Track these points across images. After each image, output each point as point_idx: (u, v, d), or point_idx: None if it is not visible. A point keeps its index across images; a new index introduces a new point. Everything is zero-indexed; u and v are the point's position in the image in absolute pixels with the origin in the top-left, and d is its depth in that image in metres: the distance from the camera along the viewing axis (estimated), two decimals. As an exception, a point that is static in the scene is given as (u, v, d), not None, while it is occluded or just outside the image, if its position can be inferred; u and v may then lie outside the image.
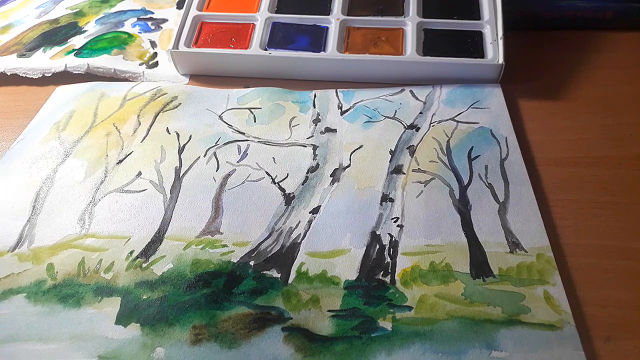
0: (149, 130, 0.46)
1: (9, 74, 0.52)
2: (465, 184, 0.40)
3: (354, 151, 0.43)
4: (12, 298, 0.34)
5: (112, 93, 0.50)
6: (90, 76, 0.52)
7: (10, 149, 0.45)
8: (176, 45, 0.51)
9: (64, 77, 0.52)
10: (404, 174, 0.41)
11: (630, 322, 0.32)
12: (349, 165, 0.42)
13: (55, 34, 0.57)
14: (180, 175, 0.41)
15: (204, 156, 0.43)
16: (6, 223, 0.39)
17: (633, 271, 0.34)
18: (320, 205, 0.39)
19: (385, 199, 0.39)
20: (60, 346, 0.31)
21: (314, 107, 0.47)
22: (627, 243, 0.36)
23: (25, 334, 0.32)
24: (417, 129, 0.44)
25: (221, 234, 0.37)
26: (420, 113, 0.46)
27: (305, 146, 0.44)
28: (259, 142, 0.44)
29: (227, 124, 0.46)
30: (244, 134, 0.45)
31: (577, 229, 0.37)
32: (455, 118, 0.45)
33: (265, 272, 0.35)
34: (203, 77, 0.52)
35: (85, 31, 0.58)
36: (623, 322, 0.32)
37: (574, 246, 0.36)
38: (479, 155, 0.42)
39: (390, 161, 0.42)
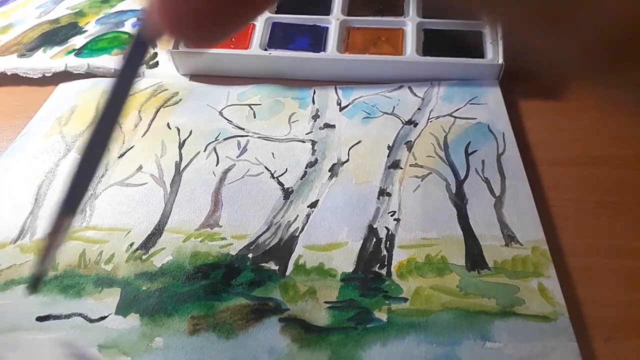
0: (149, 125, 0.46)
1: (9, 73, 0.52)
2: (462, 178, 0.40)
3: (352, 146, 0.43)
4: (14, 288, 0.34)
5: (113, 89, 0.50)
6: (90, 76, 0.52)
7: (14, 143, 0.45)
8: (176, 45, 0.51)
9: (64, 77, 0.52)
10: (401, 168, 0.41)
11: (630, 321, 0.32)
12: (347, 160, 0.42)
13: (55, 34, 0.58)
14: (181, 169, 0.42)
15: (204, 151, 0.43)
16: (9, 215, 0.39)
17: (633, 271, 0.34)
18: (318, 200, 0.39)
19: (383, 193, 0.39)
20: (60, 336, 0.32)
21: (313, 104, 0.47)
22: (628, 243, 0.36)
23: (26, 323, 0.32)
24: (415, 125, 0.45)
25: (220, 227, 0.38)
26: (419, 109, 0.46)
27: (304, 142, 0.44)
28: (258, 137, 0.44)
29: (227, 119, 0.46)
30: (243, 129, 0.45)
31: (577, 228, 0.37)
32: (453, 114, 0.45)
33: (263, 264, 0.35)
34: (203, 77, 0.51)
35: (85, 31, 0.58)
36: (623, 322, 0.31)
37: (574, 246, 0.35)
38: (476, 150, 0.42)
39: (387, 156, 0.42)
